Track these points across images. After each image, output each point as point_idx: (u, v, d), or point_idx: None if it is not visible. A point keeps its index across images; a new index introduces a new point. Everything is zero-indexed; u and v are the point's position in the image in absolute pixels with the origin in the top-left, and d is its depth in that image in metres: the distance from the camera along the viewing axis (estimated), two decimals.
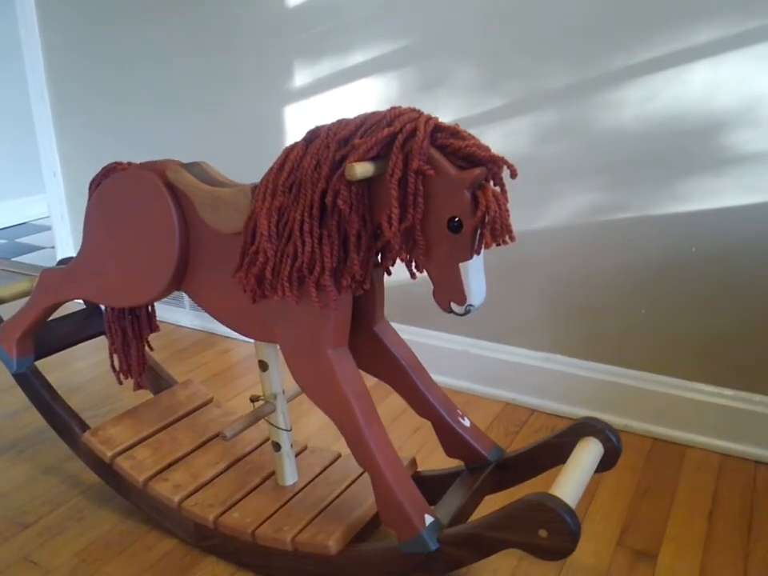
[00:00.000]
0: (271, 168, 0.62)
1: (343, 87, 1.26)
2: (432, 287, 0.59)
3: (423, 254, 0.56)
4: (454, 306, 0.57)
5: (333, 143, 0.57)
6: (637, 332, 1.11)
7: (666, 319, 1.07)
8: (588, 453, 0.60)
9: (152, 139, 1.56)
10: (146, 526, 0.86)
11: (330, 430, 1.17)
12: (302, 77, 1.32)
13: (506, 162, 0.54)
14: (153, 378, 1.04)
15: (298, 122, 1.35)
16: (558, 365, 1.18)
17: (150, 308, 0.91)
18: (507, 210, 0.55)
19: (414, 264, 0.61)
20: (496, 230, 0.53)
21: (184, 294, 1.67)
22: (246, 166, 0.73)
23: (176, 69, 1.48)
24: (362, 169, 0.54)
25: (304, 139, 0.60)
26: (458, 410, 0.73)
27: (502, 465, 0.70)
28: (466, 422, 0.72)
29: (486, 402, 1.25)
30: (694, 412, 1.08)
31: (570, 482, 0.54)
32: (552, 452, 0.66)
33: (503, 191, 0.56)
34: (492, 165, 0.54)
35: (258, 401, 0.79)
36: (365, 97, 1.23)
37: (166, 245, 0.72)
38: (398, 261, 0.62)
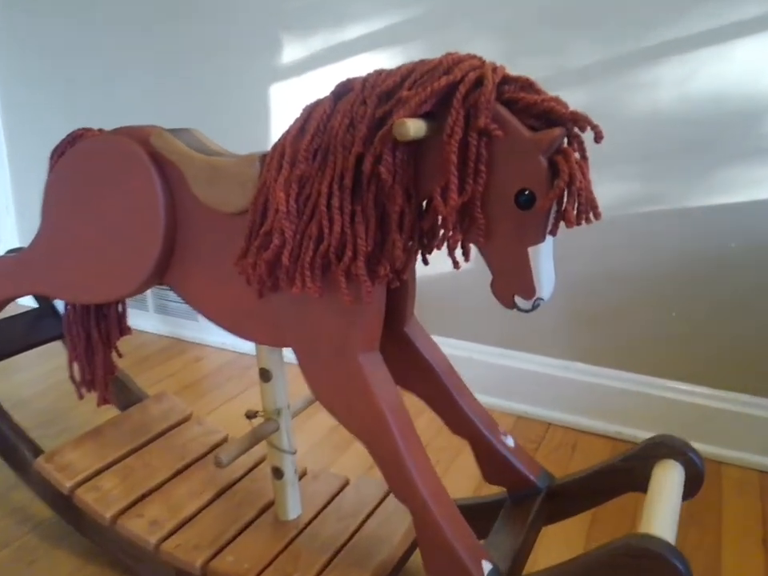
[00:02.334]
0: (287, 131, 0.53)
1: (338, 63, 1.19)
2: (489, 276, 0.50)
3: (483, 235, 0.48)
4: (518, 300, 0.49)
5: (372, 97, 0.48)
6: (667, 337, 1.06)
7: (700, 323, 1.03)
8: (672, 479, 0.52)
9: (114, 118, 1.44)
10: (113, 572, 0.75)
11: (328, 446, 1.08)
12: (291, 51, 1.23)
13: (589, 122, 0.46)
14: (119, 391, 0.92)
15: (286, 100, 1.26)
16: (578, 374, 1.13)
17: (120, 306, 0.80)
18: (590, 181, 0.47)
19: (462, 250, 0.53)
20: (581, 204, 0.45)
21: (148, 295, 1.56)
22: (227, 146, 0.64)
23: (145, 38, 1.38)
24: (415, 126, 0.45)
25: (332, 93, 0.51)
26: (500, 427, 0.65)
27: (554, 492, 0.62)
28: (510, 442, 0.64)
29: (496, 414, 1.18)
30: (730, 425, 1.03)
31: (665, 517, 0.46)
32: (619, 477, 0.58)
33: (585, 158, 0.47)
34: (573, 125, 0.46)
35: (255, 417, 0.68)
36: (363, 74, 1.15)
37: (148, 227, 0.62)
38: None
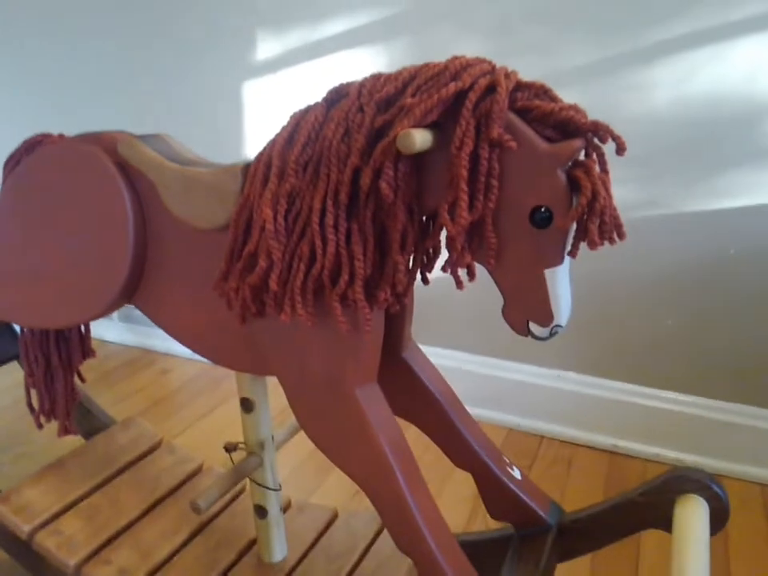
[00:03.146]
0: (273, 140, 0.49)
1: (317, 60, 1.15)
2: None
3: (494, 256, 0.44)
4: (534, 327, 0.45)
5: (370, 105, 0.44)
6: (663, 346, 1.05)
7: (697, 331, 1.02)
8: (698, 517, 0.49)
9: (75, 121, 1.37)
10: None
11: (310, 468, 1.04)
12: (266, 47, 1.18)
13: (611, 133, 0.43)
14: (83, 417, 0.87)
15: (261, 100, 1.21)
16: (571, 384, 1.12)
17: (83, 326, 0.74)
18: (612, 197, 0.44)
19: (467, 269, 0.49)
20: (605, 223, 0.42)
21: None
22: (198, 151, 0.60)
23: (104, 31, 1.31)
24: (422, 138, 0.41)
25: (324, 100, 0.47)
26: (505, 457, 0.61)
27: (566, 528, 0.59)
28: (517, 473, 0.60)
29: (486, 428, 1.14)
30: (730, 437, 1.02)
31: (698, 566, 0.43)
32: (639, 513, 0.55)
33: (606, 172, 0.44)
34: (594, 136, 0.43)
35: (235, 450, 0.64)
36: (344, 73, 1.11)
37: (115, 244, 0.57)
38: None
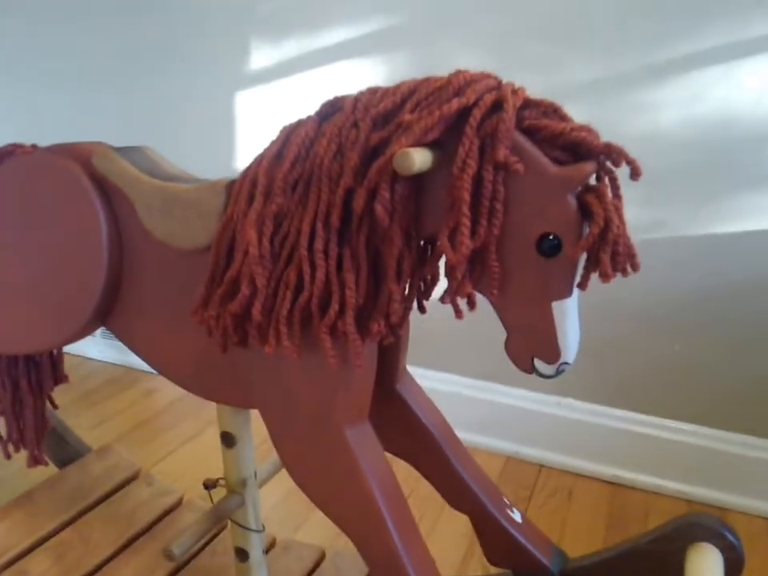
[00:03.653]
0: (261, 156, 0.46)
1: (314, 71, 1.12)
2: (504, 334, 0.44)
3: (498, 286, 0.42)
4: (539, 364, 0.43)
5: (365, 120, 0.41)
6: (668, 373, 1.02)
7: (705, 359, 0.99)
8: (712, 569, 0.46)
9: (62, 129, 1.34)
10: None
11: (296, 501, 1.00)
12: (260, 58, 1.16)
13: (625, 156, 0.40)
14: (56, 444, 0.83)
15: (255, 112, 1.19)
16: (572, 411, 1.09)
17: (55, 350, 0.71)
18: (626, 225, 0.41)
19: (468, 299, 0.46)
20: (618, 253, 0.39)
21: None
22: (186, 165, 0.57)
23: (94, 38, 1.28)
24: (421, 158, 0.38)
25: (317, 114, 0.44)
26: (505, 498, 0.58)
27: None
28: (517, 516, 0.57)
29: (483, 455, 1.13)
30: (736, 469, 1.00)
31: None
32: (647, 562, 0.52)
33: (619, 197, 0.42)
34: (606, 159, 0.40)
35: (215, 487, 0.60)
36: (342, 85, 1.09)
37: (88, 263, 0.54)
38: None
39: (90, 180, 0.53)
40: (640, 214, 0.97)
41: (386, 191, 0.40)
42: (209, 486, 0.61)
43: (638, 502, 1.03)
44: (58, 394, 1.42)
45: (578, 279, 0.41)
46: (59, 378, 0.71)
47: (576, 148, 0.40)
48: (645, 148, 0.94)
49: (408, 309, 0.46)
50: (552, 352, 0.42)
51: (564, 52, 0.96)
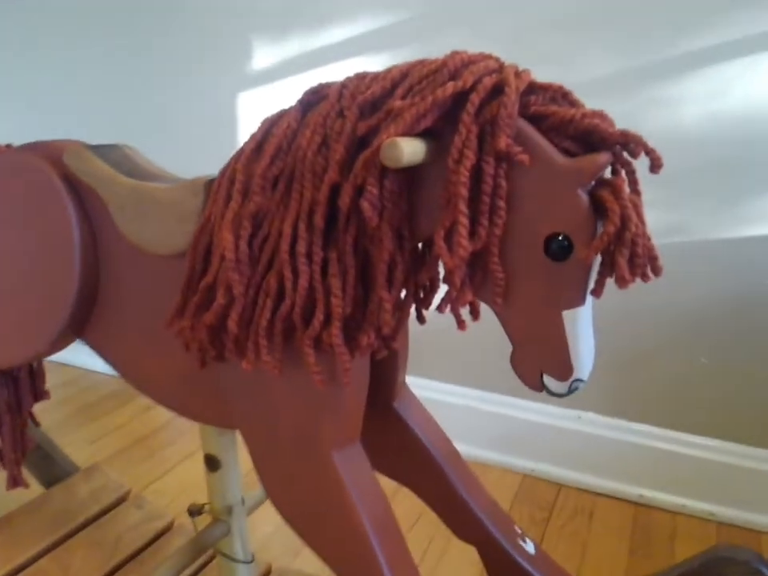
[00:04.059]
0: (241, 150, 0.42)
1: (318, 70, 1.09)
2: (510, 347, 0.40)
3: (501, 293, 0.37)
4: (549, 381, 0.38)
5: (352, 108, 0.38)
6: (695, 386, 0.97)
7: (734, 372, 0.94)
8: None
9: (62, 129, 1.33)
10: None
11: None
12: (263, 57, 1.14)
13: (644, 146, 0.36)
14: (42, 462, 0.80)
15: (258, 112, 1.16)
16: (593, 426, 1.05)
17: (35, 363, 0.68)
18: (646, 224, 0.37)
19: (470, 307, 0.43)
20: (637, 256, 0.35)
21: None
22: (188, 168, 0.54)
23: (95, 38, 1.27)
24: (410, 148, 0.34)
25: (299, 102, 0.41)
26: (517, 527, 0.54)
27: None
28: (530, 547, 0.53)
29: (497, 473, 1.09)
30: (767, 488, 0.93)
31: None
32: None
33: (638, 193, 0.38)
34: (623, 149, 0.36)
35: (201, 514, 0.56)
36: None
37: (60, 269, 0.51)
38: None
39: (62, 179, 0.50)
40: (659, 217, 0.93)
41: (373, 186, 0.37)
42: (193, 512, 0.57)
43: (663, 523, 0.98)
44: (57, 407, 1.39)
45: (591, 285, 0.37)
46: (39, 394, 0.68)
47: (588, 137, 0.36)
48: (664, 146, 0.89)
49: (403, 319, 0.42)
50: (563, 367, 0.38)
51: (579, 46, 0.92)
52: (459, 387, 1.12)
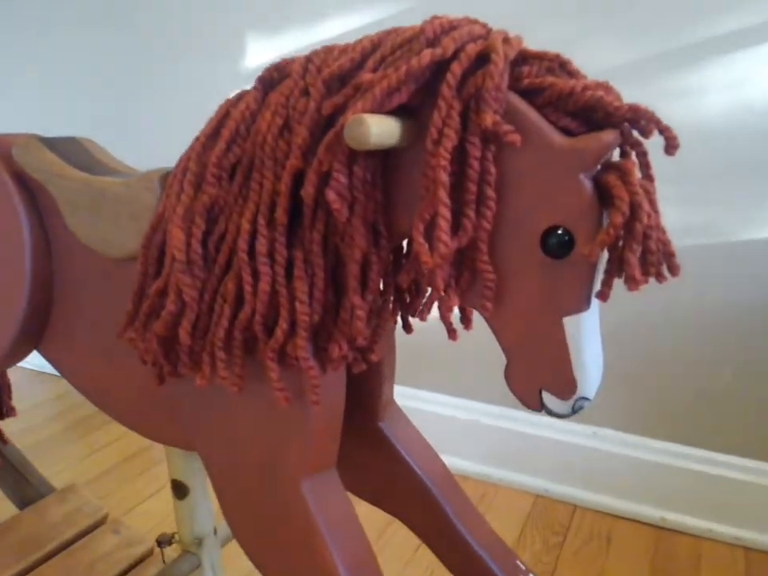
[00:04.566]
0: (196, 137, 0.38)
1: None
2: (503, 359, 0.35)
3: (491, 297, 0.33)
4: (549, 399, 0.33)
5: (317, 85, 0.33)
6: (720, 400, 0.92)
7: (763, 384, 0.88)
8: None
9: (55, 125, 1.31)
10: None
11: None
12: (258, 52, 1.10)
13: (657, 122, 0.31)
14: (16, 484, 0.76)
15: None
16: (610, 443, 1.00)
17: None
18: (660, 214, 0.32)
19: (461, 314, 0.38)
20: (650, 251, 0.30)
21: None
22: None
23: (87, 39, 1.25)
24: (379, 127, 0.30)
25: (259, 80, 0.36)
26: (521, 563, 0.48)
27: None
28: None
29: (508, 493, 1.04)
30: None
31: None
32: None
33: (651, 178, 0.33)
34: (632, 127, 0.31)
35: (171, 544, 0.52)
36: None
37: (8, 276, 0.47)
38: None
39: (10, 175, 0.46)
40: (681, 215, 0.88)
41: (340, 174, 0.32)
42: (162, 542, 0.53)
43: (687, 549, 0.93)
44: (51, 421, 1.35)
45: (597, 287, 0.32)
46: (6, 411, 0.64)
47: (591, 113, 0.31)
48: (683, 140, 0.85)
49: (381, 327, 0.37)
50: (565, 384, 0.33)
51: (587, 33, 0.88)
52: (465, 400, 1.07)
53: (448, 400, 1.07)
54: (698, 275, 0.88)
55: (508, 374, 0.34)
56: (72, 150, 0.48)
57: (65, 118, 1.32)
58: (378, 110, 0.30)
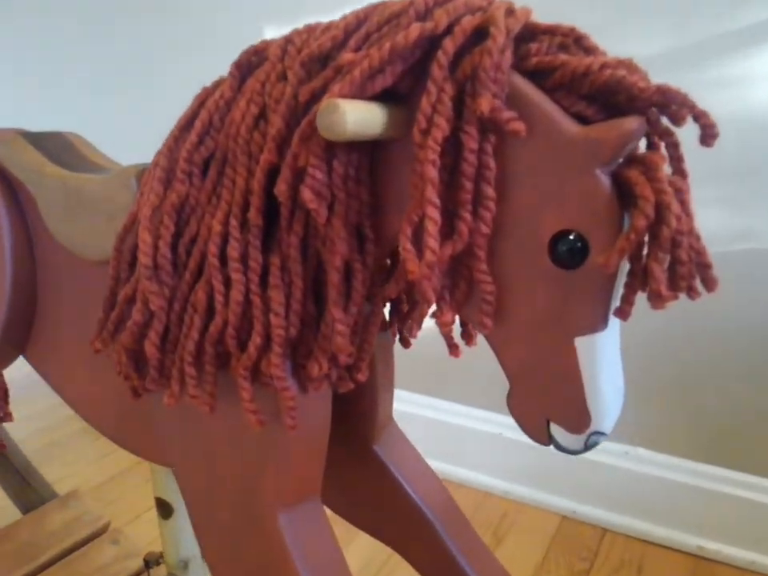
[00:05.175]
0: (171, 131, 0.34)
1: None
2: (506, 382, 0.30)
3: (490, 313, 0.28)
4: (558, 432, 0.29)
5: (295, 68, 0.29)
6: (766, 420, 0.83)
7: None
8: None
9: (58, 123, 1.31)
10: None
11: None
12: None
13: (692, 108, 0.26)
14: (20, 489, 0.74)
15: None
16: (643, 463, 0.94)
17: None
18: (694, 217, 0.27)
19: (462, 329, 0.34)
20: (681, 262, 0.25)
21: None
22: None
23: (104, 37, 1.24)
24: (356, 113, 0.26)
25: (237, 66, 0.33)
26: None
27: None
28: None
29: (532, 513, 0.98)
30: None
31: None
32: None
33: (684, 174, 0.28)
34: (661, 112, 0.26)
35: (158, 564, 0.49)
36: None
37: None
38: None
39: None
40: (719, 219, 0.81)
41: (317, 169, 0.28)
42: (149, 562, 0.50)
43: None
44: (68, 421, 1.34)
45: (616, 303, 0.27)
46: (1, 416, 0.62)
47: (611, 96, 0.26)
48: (731, 135, 0.78)
49: (368, 343, 0.33)
50: (576, 416, 0.28)
51: (623, 19, 0.82)
52: (487, 412, 1.02)
53: (470, 411, 1.02)
54: (742, 281, 0.81)
55: (511, 402, 0.30)
56: (56, 146, 0.45)
57: (65, 115, 1.32)
58: (358, 94, 0.26)
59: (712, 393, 0.87)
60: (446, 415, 1.03)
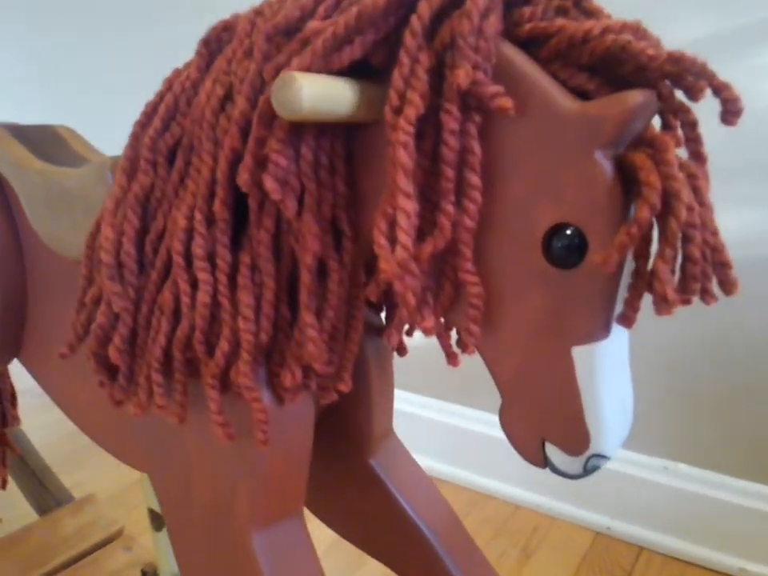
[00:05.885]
0: (138, 118, 0.32)
1: None
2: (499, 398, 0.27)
3: (478, 319, 0.25)
4: (554, 453, 0.25)
5: (259, 42, 0.26)
6: None
7: None
8: None
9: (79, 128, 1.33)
10: None
11: None
12: None
13: (711, 78, 0.22)
14: (36, 492, 0.74)
15: None
16: (683, 479, 0.88)
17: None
18: (711, 208, 0.23)
19: (457, 337, 0.30)
20: (692, 259, 0.21)
21: None
22: None
23: (120, 39, 1.25)
24: (315, 88, 0.23)
25: (205, 44, 0.30)
26: None
27: None
28: None
29: (564, 528, 0.93)
30: None
31: None
32: None
33: (701, 159, 0.24)
34: (676, 85, 0.23)
35: None
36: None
37: None
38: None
39: None
40: (749, 218, 0.75)
41: (281, 155, 0.25)
42: (147, 573, 0.47)
43: None
44: (73, 437, 1.36)
45: (618, 308, 0.23)
46: (8, 419, 0.61)
47: (616, 66, 0.23)
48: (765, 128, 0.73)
49: (350, 351, 0.30)
50: (574, 436, 0.24)
51: (661, 2, 0.77)
52: None
53: (493, 418, 0.98)
54: None
55: (502, 418, 0.26)
56: (44, 140, 0.44)
57: (64, 112, 1.33)
58: (322, 67, 0.23)
59: (759, 406, 0.81)
60: (476, 424, 0.99)
